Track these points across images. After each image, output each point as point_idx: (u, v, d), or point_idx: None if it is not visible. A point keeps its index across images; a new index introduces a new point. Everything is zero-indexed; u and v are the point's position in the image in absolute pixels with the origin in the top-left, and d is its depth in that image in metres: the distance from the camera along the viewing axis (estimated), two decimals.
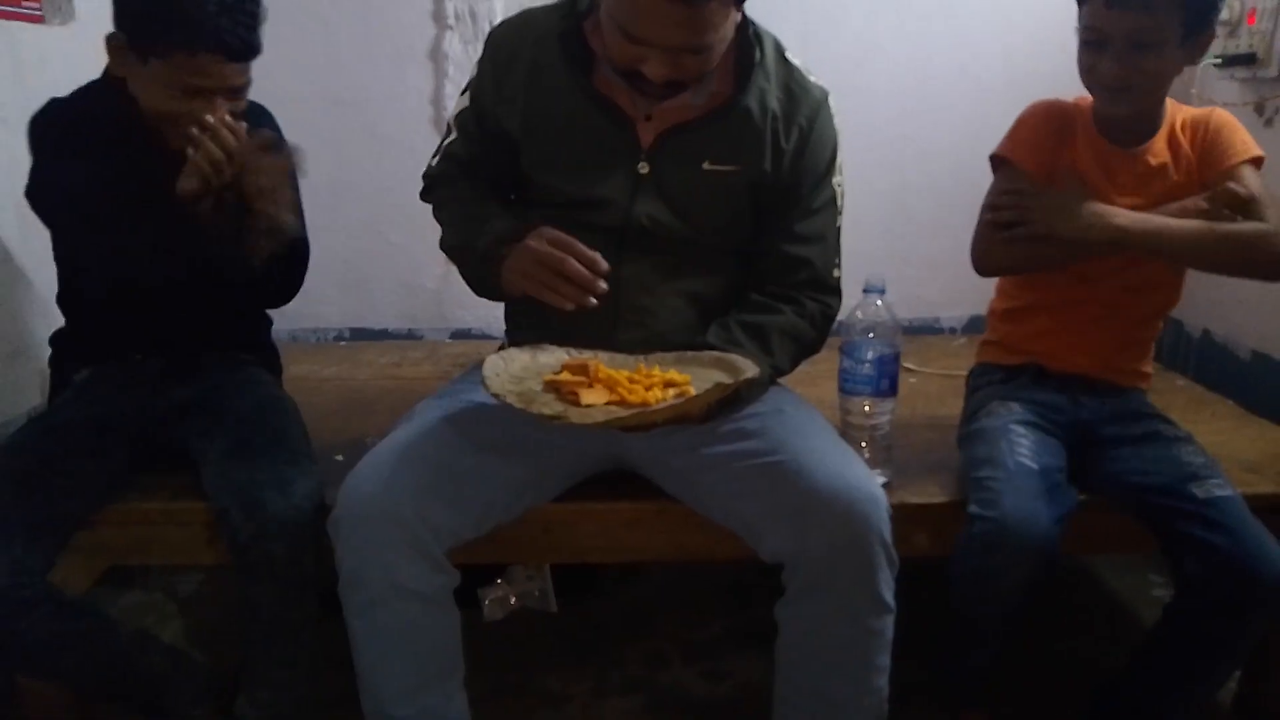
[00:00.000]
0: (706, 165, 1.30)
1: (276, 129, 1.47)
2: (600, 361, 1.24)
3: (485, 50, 1.37)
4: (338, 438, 1.67)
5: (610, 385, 1.16)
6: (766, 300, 1.35)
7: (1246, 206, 1.35)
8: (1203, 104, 2.01)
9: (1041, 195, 1.41)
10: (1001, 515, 1.24)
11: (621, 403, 1.13)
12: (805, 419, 1.33)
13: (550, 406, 1.14)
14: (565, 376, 1.19)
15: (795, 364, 1.38)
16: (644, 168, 1.31)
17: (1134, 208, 1.41)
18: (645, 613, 1.90)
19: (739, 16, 1.24)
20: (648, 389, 1.16)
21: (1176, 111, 1.47)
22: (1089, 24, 1.36)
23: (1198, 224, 1.36)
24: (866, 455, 1.40)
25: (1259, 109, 1.92)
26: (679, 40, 1.16)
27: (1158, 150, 1.45)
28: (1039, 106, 1.52)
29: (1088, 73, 1.40)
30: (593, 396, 1.14)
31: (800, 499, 1.18)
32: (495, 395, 1.14)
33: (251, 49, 1.32)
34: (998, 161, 1.51)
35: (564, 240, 1.20)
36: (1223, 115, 1.46)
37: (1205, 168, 1.43)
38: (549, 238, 1.21)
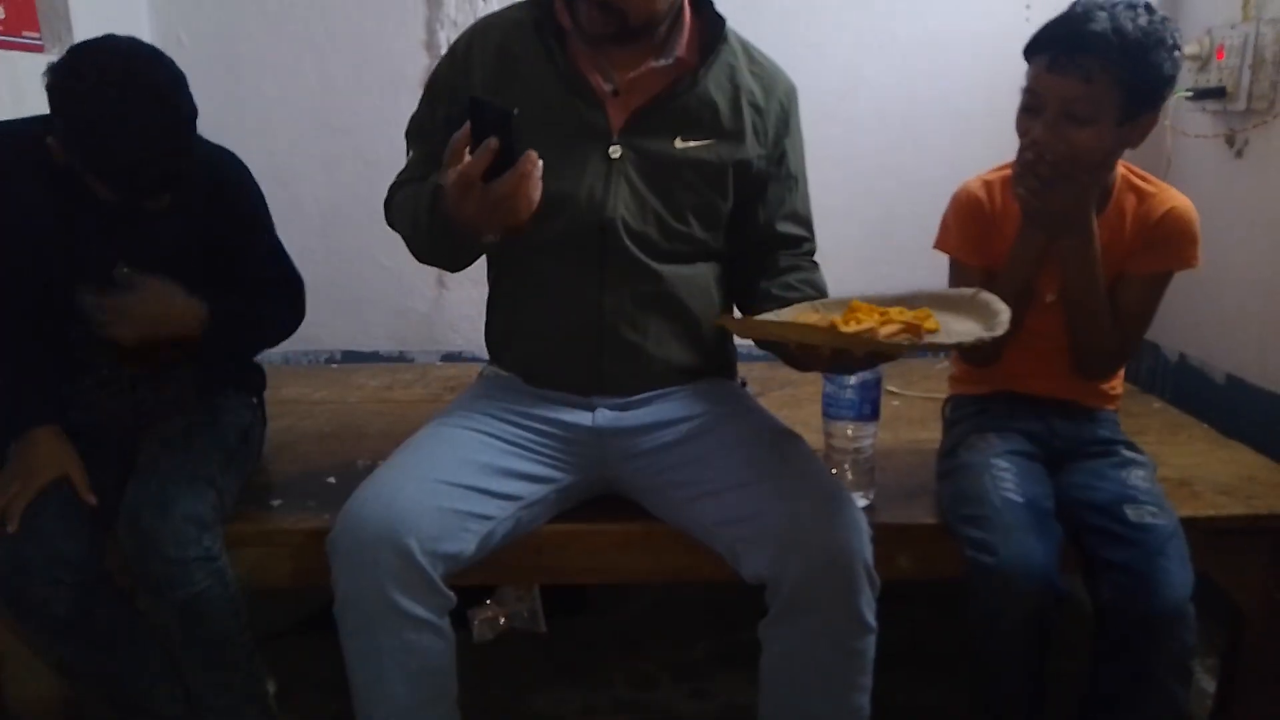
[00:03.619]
0: (679, 142, 1.32)
1: (238, 174, 1.49)
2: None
3: (444, 57, 1.40)
4: (329, 460, 1.69)
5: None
6: (794, 262, 1.41)
7: None
8: (1174, 136, 2.07)
9: (1055, 181, 1.30)
10: (996, 560, 1.24)
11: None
12: (787, 442, 1.35)
13: (811, 319, 1.20)
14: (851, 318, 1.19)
15: None
16: (615, 152, 1.31)
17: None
18: (634, 633, 1.92)
19: None
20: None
21: (1126, 176, 1.43)
22: (1029, 86, 1.32)
23: (1097, 291, 1.38)
24: (850, 478, 1.43)
25: (1229, 140, 1.98)
26: None
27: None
28: (960, 199, 1.50)
29: (1019, 151, 1.33)
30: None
31: (782, 522, 1.20)
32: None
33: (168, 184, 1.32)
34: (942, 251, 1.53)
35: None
36: (1182, 216, 1.41)
37: (1142, 255, 1.42)
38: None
